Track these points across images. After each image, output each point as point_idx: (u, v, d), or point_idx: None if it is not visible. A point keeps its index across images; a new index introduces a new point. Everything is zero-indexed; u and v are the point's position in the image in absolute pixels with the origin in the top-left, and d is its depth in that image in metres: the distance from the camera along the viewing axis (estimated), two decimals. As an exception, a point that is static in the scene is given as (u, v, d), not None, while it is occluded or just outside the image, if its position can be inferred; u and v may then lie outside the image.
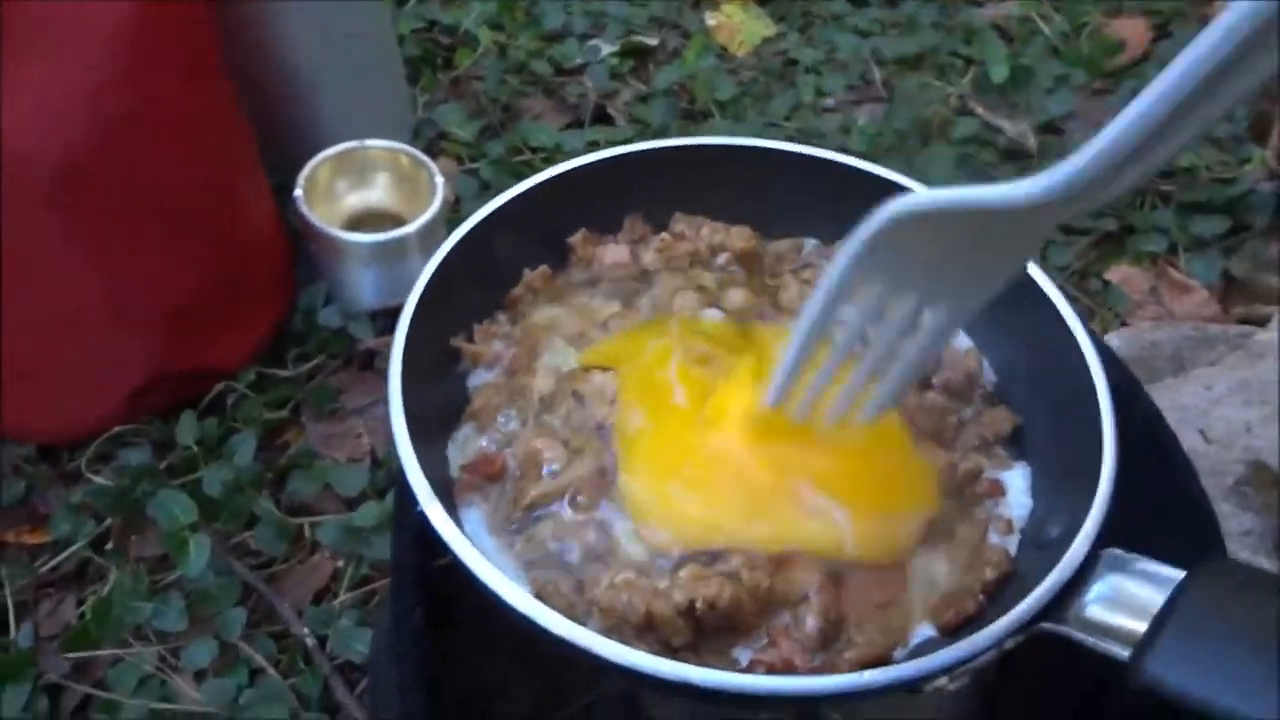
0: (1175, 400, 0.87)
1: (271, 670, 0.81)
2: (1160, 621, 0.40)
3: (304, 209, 0.99)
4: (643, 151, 0.65)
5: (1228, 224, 1.09)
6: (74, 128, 0.74)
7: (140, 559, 0.88)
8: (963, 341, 0.61)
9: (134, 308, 0.85)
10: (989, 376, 0.60)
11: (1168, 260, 1.07)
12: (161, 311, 0.87)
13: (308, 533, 0.89)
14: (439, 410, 0.57)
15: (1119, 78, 1.27)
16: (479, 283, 0.61)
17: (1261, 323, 0.98)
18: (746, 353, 0.57)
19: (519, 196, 0.61)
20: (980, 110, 1.20)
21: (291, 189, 0.99)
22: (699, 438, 0.52)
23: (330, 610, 0.84)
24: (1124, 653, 0.40)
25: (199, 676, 0.81)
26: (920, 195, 0.41)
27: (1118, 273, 1.06)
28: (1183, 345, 0.93)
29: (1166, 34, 1.33)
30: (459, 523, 0.50)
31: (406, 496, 0.49)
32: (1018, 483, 0.55)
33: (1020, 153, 1.16)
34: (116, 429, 0.92)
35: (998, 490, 0.54)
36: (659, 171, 0.65)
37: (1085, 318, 0.74)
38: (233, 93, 0.90)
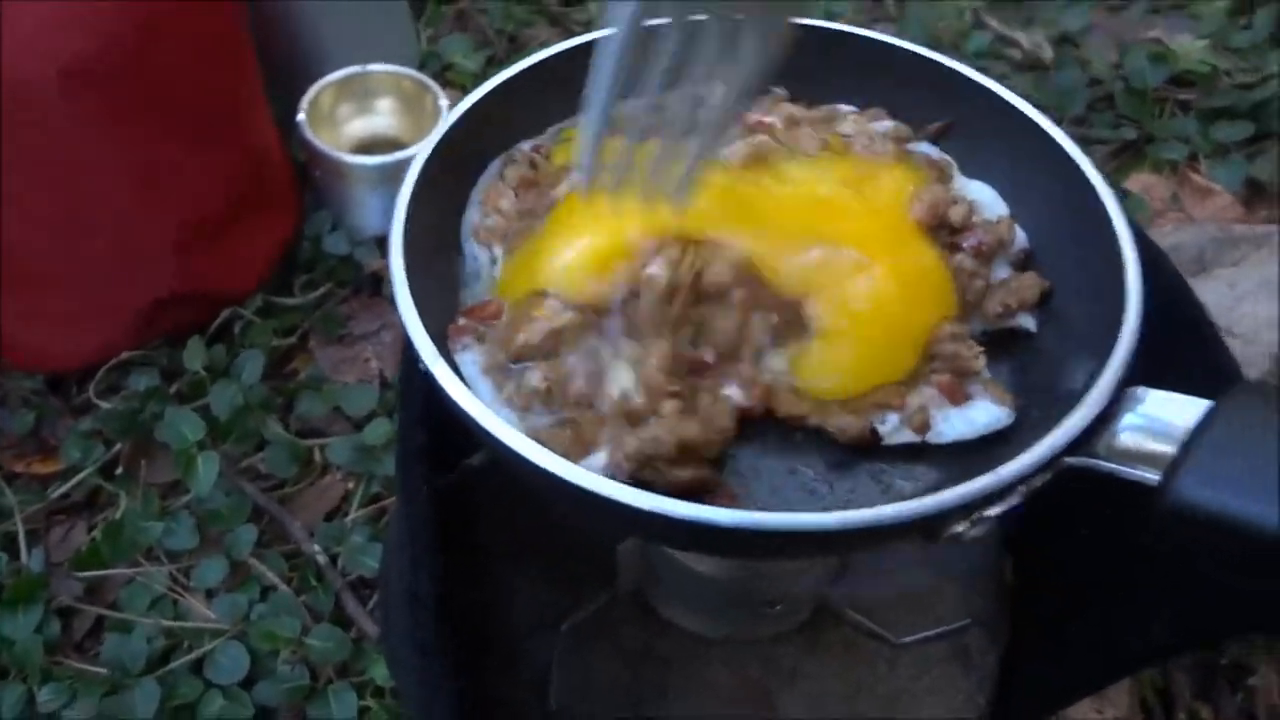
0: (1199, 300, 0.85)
1: (283, 586, 0.80)
2: (1192, 442, 0.38)
3: (308, 134, 0.97)
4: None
5: (1251, 129, 1.06)
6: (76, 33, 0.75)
7: (150, 484, 0.87)
8: (1000, 209, 0.59)
9: (159, 203, 0.86)
10: (1021, 244, 0.58)
11: (1189, 166, 1.05)
12: (181, 211, 0.87)
13: (318, 456, 0.88)
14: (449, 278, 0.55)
15: (1137, -10, 1.24)
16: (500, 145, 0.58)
17: (1287, 223, 0.96)
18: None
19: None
20: (994, 23, 1.18)
21: (294, 117, 0.98)
22: None
23: (341, 527, 0.83)
24: (1154, 476, 0.39)
25: (210, 595, 0.81)
26: None
27: (1137, 181, 1.03)
28: (1206, 246, 0.91)
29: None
30: (456, 369, 0.48)
31: (410, 361, 0.47)
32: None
33: (1036, 64, 1.13)
34: (125, 355, 0.92)
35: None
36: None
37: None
38: (240, 13, 0.89)
